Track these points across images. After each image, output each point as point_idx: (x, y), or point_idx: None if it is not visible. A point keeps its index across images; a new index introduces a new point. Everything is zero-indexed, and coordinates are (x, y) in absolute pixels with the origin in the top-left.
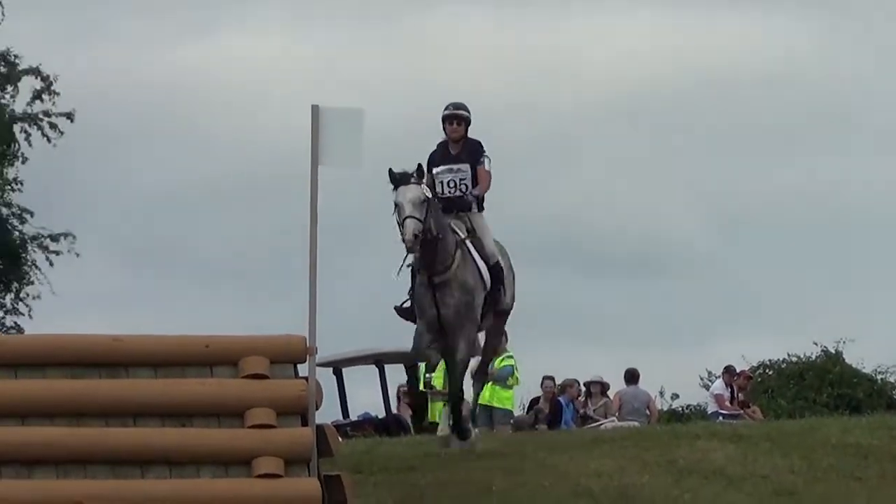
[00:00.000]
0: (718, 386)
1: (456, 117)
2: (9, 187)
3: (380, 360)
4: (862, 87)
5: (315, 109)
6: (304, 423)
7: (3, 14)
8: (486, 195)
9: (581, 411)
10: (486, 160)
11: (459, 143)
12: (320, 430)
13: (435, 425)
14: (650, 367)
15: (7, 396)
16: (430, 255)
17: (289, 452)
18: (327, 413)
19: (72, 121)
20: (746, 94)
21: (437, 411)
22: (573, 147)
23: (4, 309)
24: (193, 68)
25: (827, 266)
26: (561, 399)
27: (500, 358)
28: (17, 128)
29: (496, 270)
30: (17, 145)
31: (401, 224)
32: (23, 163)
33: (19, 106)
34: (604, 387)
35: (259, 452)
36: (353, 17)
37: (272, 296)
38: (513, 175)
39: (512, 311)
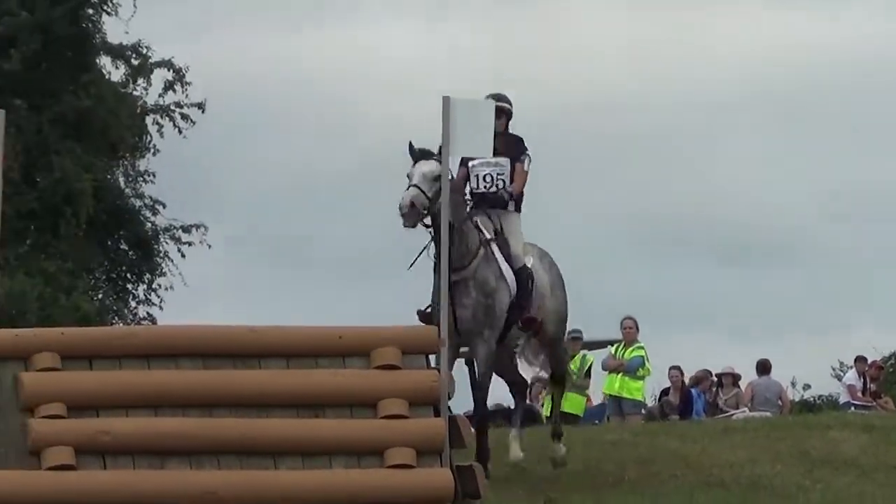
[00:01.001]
0: (851, 376)
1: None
2: (141, 179)
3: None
4: None
5: (446, 101)
6: (437, 414)
7: (135, 7)
8: (523, 197)
9: (712, 402)
10: (527, 159)
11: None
12: (453, 420)
13: (566, 415)
14: (782, 357)
15: (140, 387)
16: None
17: (421, 443)
18: (460, 404)
19: (203, 111)
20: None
21: (569, 402)
22: (702, 140)
23: (137, 300)
24: (322, 58)
25: None
26: (692, 390)
27: (631, 349)
28: (148, 119)
29: (522, 275)
30: (148, 137)
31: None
32: (154, 154)
33: (151, 98)
34: (735, 378)
35: (391, 443)
36: (482, 9)
37: (403, 287)
38: (646, 166)
39: (565, 320)
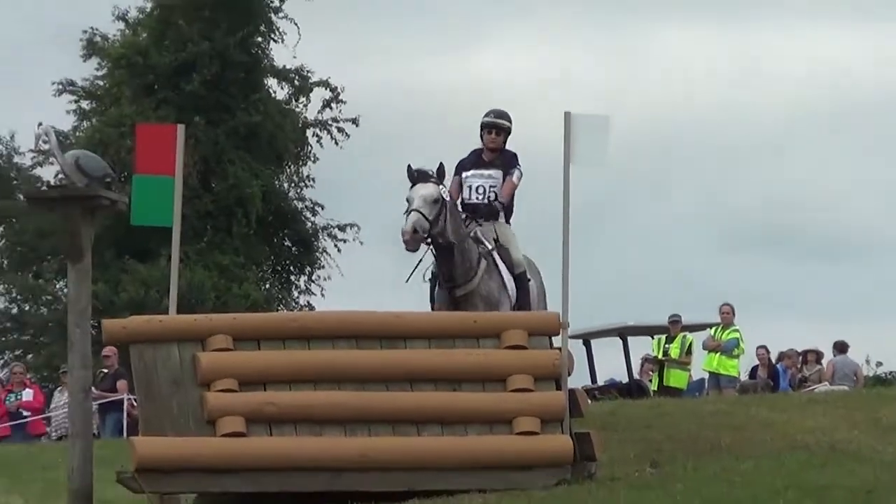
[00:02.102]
0: None
1: (496, 126)
2: (302, 184)
3: (623, 333)
4: None
5: (567, 116)
6: (558, 388)
7: (299, 35)
8: (512, 209)
9: (797, 377)
10: (517, 172)
11: (495, 153)
12: (572, 393)
13: (670, 389)
14: (857, 339)
15: (302, 365)
16: (448, 264)
17: (544, 413)
18: (578, 379)
19: (357, 125)
20: None
21: (673, 377)
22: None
23: (299, 289)
24: (455, 79)
25: None
26: (778, 366)
27: (728, 331)
28: (309, 132)
29: (522, 280)
30: (309, 147)
31: (405, 217)
32: (314, 162)
33: (311, 114)
34: (818, 355)
35: (519, 413)
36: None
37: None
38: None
39: None
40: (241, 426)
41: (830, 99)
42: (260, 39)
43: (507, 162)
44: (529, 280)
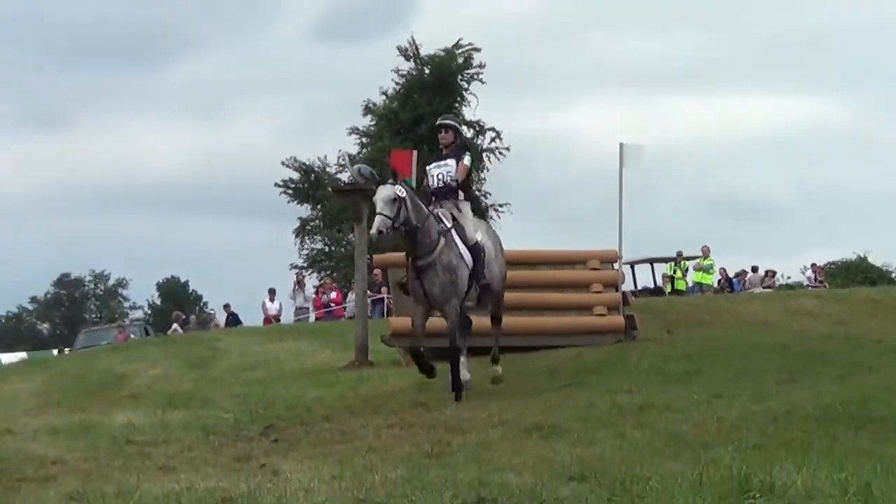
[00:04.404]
0: None
1: (444, 126)
2: (481, 181)
3: (651, 261)
4: None
5: (621, 146)
6: (616, 290)
7: (477, 101)
8: (470, 187)
9: (745, 284)
10: (466, 156)
11: (450, 147)
12: (624, 294)
13: (677, 291)
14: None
15: None
16: (412, 242)
17: (609, 303)
18: (626, 286)
19: (509, 150)
20: None
21: (678, 284)
22: None
23: None
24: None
25: None
26: (734, 279)
27: (706, 259)
28: (484, 155)
29: (476, 250)
30: (485, 162)
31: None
32: (487, 171)
33: (485, 144)
34: (755, 270)
35: (595, 304)
36: None
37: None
38: None
39: (505, 277)
40: None
41: None
42: (457, 104)
43: (458, 152)
44: (483, 250)
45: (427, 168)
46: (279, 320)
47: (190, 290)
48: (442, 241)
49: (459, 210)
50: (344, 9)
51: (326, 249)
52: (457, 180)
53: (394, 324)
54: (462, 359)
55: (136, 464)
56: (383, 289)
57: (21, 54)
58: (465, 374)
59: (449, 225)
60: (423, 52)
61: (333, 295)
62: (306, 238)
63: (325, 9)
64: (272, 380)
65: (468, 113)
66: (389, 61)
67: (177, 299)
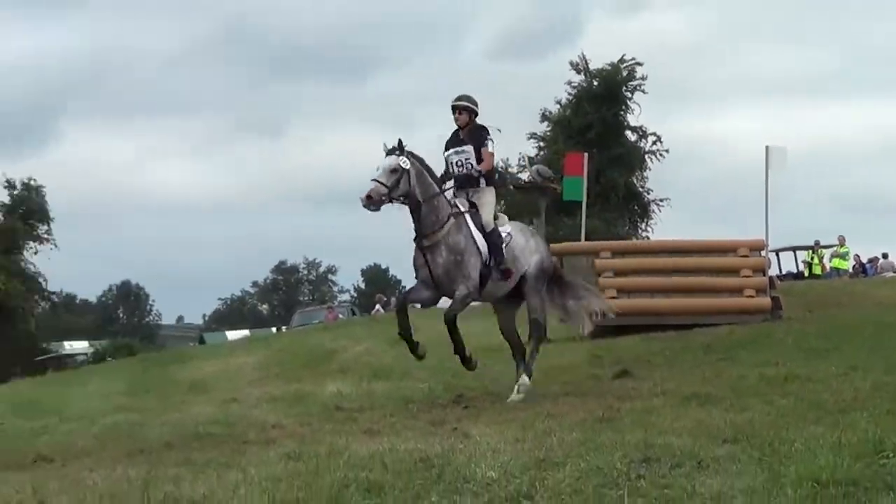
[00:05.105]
0: None
1: (458, 107)
2: (644, 180)
3: (794, 249)
4: None
5: (767, 149)
6: (764, 275)
7: (640, 110)
8: (495, 172)
9: (877, 269)
10: (490, 142)
11: (466, 129)
12: (770, 278)
13: (815, 276)
14: None
15: (641, 264)
16: (416, 218)
17: (757, 286)
18: (771, 271)
19: (668, 152)
20: None
21: (815, 268)
22: None
23: (640, 230)
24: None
25: None
26: (867, 265)
27: (843, 247)
28: (647, 156)
29: (493, 236)
30: (647, 162)
31: None
32: (649, 170)
33: (647, 146)
34: (885, 257)
35: (745, 286)
36: None
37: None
38: None
39: (541, 278)
40: (615, 294)
41: None
42: (622, 112)
43: (477, 136)
44: (500, 236)
45: (444, 154)
46: None
47: (390, 276)
48: (451, 221)
49: (478, 196)
50: (521, 30)
51: None
52: (480, 171)
53: None
54: (522, 381)
55: (344, 428)
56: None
57: (239, 71)
58: (514, 397)
59: (464, 209)
60: (592, 66)
61: None
62: None
63: (505, 30)
64: None
65: (632, 119)
66: (563, 75)
67: (379, 284)
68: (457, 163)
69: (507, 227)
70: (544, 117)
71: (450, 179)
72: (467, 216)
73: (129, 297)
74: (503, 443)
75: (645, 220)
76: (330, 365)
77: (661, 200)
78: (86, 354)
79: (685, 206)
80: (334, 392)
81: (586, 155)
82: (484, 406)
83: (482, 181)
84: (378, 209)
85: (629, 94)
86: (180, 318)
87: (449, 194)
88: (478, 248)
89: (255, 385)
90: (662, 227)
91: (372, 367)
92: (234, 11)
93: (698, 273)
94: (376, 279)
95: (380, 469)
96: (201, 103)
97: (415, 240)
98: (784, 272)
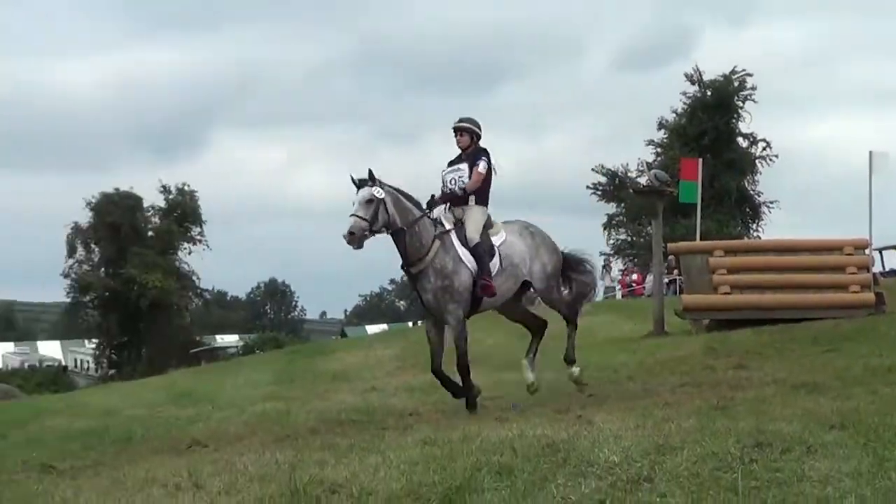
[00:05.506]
0: None
1: (459, 129)
2: (754, 183)
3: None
4: None
5: (870, 154)
6: (868, 271)
7: (751, 118)
8: (485, 192)
9: None
10: (482, 163)
11: (467, 152)
12: (874, 275)
13: None
14: None
15: (752, 263)
16: (401, 246)
17: (861, 282)
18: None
19: (777, 157)
20: None
21: None
22: None
23: (752, 230)
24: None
25: None
26: None
27: None
28: (758, 161)
29: (477, 251)
30: (759, 167)
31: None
32: (760, 174)
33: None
34: None
35: (851, 283)
36: None
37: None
38: None
39: (551, 276)
40: (728, 290)
41: None
42: (734, 120)
43: (474, 156)
44: (487, 251)
45: (442, 172)
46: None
47: None
48: (437, 244)
49: (466, 214)
50: (640, 44)
51: (629, 240)
52: (464, 189)
53: (685, 300)
54: (526, 360)
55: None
56: (675, 271)
57: (377, 83)
58: (529, 376)
59: (449, 227)
60: (706, 77)
61: (635, 277)
62: (612, 230)
63: (624, 45)
64: (586, 346)
65: (743, 127)
66: (678, 85)
67: None
68: (450, 181)
69: (500, 236)
70: (661, 125)
71: (439, 199)
72: (452, 234)
73: (275, 293)
74: (624, 429)
75: (756, 220)
76: None
77: (771, 202)
78: (236, 347)
79: (794, 208)
80: None
81: (700, 160)
82: (606, 394)
83: (471, 199)
84: (361, 245)
85: (740, 104)
86: (323, 314)
87: (436, 212)
88: (467, 266)
89: (393, 375)
90: (772, 228)
91: (501, 360)
92: (371, 28)
93: (806, 270)
94: None
95: (510, 453)
96: (341, 113)
97: (402, 267)
98: (888, 269)
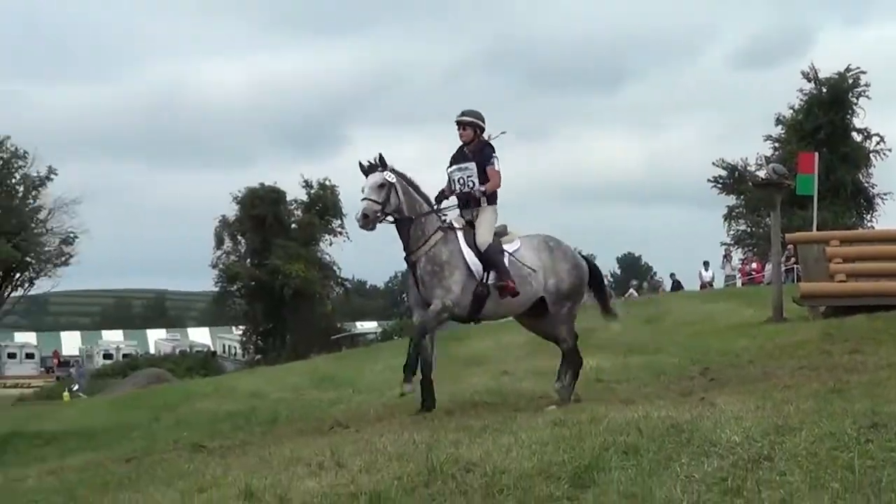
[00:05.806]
0: None
1: (462, 123)
2: (867, 176)
3: None
4: None
5: None
6: None
7: (865, 113)
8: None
9: None
10: (495, 160)
11: (471, 146)
12: None
13: None
14: None
15: (865, 251)
16: (404, 234)
17: None
18: None
19: None
20: None
21: None
22: None
23: (860, 220)
24: None
25: None
26: None
27: None
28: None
29: (489, 253)
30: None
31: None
32: None
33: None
34: None
35: None
36: None
37: None
38: None
39: (566, 296)
40: (844, 278)
41: None
42: (848, 116)
43: (481, 153)
44: (500, 253)
45: (448, 171)
46: (712, 286)
47: (643, 263)
48: (438, 235)
49: (478, 215)
50: (758, 43)
51: (748, 230)
52: (483, 190)
53: (803, 288)
54: (556, 385)
55: (603, 397)
56: (792, 260)
57: (508, 83)
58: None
59: (458, 226)
60: (821, 75)
61: (754, 265)
62: (732, 221)
63: (743, 43)
64: (708, 332)
65: (857, 122)
66: (795, 83)
67: (632, 270)
68: (459, 180)
69: (514, 244)
70: (778, 121)
71: (451, 196)
72: (459, 232)
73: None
74: (745, 411)
75: (870, 211)
76: (589, 341)
77: (885, 194)
78: (375, 333)
79: None
80: (594, 365)
81: (817, 154)
82: (727, 378)
83: (483, 200)
84: (374, 228)
85: (854, 100)
86: None
87: (450, 215)
88: (466, 263)
89: (523, 360)
90: (886, 218)
91: (627, 344)
92: (502, 31)
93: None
94: (630, 266)
95: (636, 434)
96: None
97: (404, 257)
98: None
